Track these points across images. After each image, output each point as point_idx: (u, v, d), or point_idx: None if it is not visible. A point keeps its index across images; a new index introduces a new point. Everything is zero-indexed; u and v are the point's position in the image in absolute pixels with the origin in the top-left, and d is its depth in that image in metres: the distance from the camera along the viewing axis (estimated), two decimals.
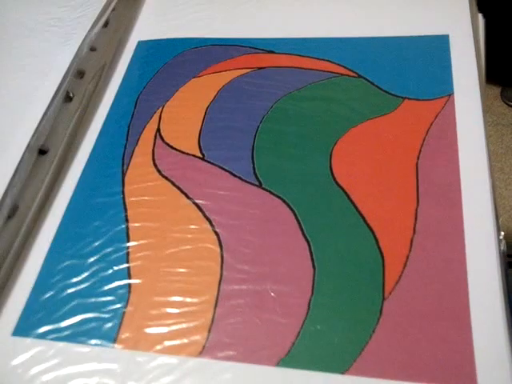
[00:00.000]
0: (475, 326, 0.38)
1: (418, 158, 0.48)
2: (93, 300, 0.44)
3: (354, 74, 0.57)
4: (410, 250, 0.43)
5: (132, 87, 0.61)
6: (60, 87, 0.55)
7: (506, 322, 0.37)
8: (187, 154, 0.53)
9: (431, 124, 0.50)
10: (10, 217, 0.48)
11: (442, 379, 0.36)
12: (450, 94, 0.52)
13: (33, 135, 0.51)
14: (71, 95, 0.58)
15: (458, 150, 0.48)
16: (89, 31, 0.61)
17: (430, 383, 0.36)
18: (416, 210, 0.45)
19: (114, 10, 0.67)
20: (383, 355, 0.38)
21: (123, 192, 0.51)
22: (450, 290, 0.40)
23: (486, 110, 0.50)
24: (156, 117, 0.57)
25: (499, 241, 0.41)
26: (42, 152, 0.54)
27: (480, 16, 0.58)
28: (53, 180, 0.53)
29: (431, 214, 0.44)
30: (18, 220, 0.49)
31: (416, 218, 0.44)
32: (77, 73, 0.59)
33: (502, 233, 0.42)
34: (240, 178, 0.50)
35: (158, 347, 0.41)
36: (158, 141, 0.55)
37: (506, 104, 1.36)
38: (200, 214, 0.48)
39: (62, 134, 0.56)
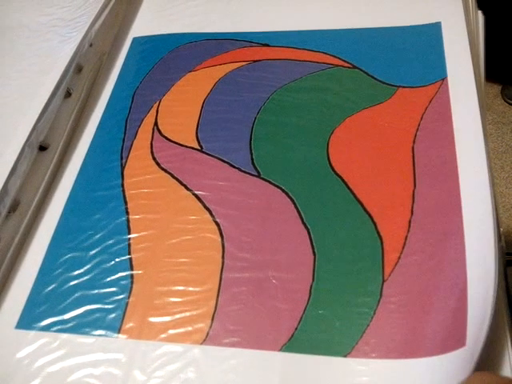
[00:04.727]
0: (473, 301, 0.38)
1: (414, 141, 0.49)
2: (96, 291, 0.44)
3: (348, 65, 0.57)
4: (408, 231, 0.43)
5: (128, 82, 0.61)
6: (60, 83, 0.55)
7: (504, 298, 0.38)
8: (185, 146, 0.53)
9: (426, 109, 0.51)
10: (10, 212, 0.49)
11: (443, 352, 0.36)
12: (444, 78, 0.53)
13: (33, 131, 0.51)
14: (71, 91, 0.58)
15: (453, 131, 0.48)
16: (89, 28, 0.61)
17: (431, 356, 0.36)
18: (413, 192, 0.45)
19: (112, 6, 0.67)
20: (384, 336, 0.38)
21: (123, 185, 0.51)
22: (449, 266, 0.40)
23: (487, 108, 0.50)
24: (153, 111, 0.57)
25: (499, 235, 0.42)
26: (43, 148, 0.54)
27: (480, 13, 0.58)
28: (53, 175, 0.54)
29: (428, 194, 0.45)
30: (19, 215, 0.49)
31: (413, 200, 0.45)
32: (76, 69, 0.59)
33: (501, 229, 0.42)
34: (239, 168, 0.50)
35: (162, 336, 0.41)
36: (156, 134, 0.55)
37: (507, 102, 1.36)
38: (200, 204, 0.48)
39: (61, 130, 0.56)
